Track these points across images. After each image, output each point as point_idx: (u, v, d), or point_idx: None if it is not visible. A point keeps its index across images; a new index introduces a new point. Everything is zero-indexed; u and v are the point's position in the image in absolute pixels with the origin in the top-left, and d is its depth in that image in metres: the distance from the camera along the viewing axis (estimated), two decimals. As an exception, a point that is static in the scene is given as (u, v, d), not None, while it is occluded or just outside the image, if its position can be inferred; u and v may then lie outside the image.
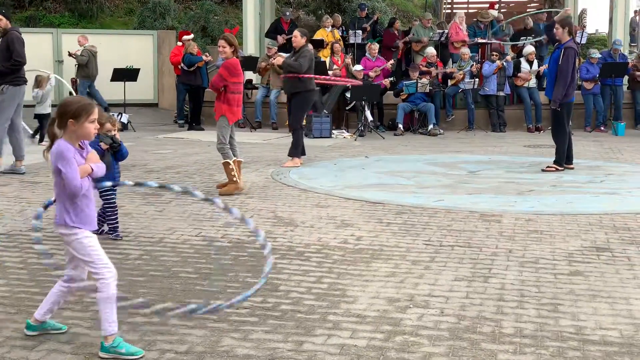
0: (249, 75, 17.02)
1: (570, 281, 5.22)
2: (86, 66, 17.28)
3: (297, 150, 10.83)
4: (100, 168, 3.96)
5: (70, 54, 17.62)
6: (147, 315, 4.39)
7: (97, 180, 4.03)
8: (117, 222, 6.40)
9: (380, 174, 10.04)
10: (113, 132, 6.24)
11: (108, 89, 17.34)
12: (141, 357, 3.79)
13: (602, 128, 16.49)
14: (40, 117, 12.95)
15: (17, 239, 6.26)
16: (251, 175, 9.80)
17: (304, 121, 15.25)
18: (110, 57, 18.63)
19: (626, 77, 16.95)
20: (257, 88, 17.18)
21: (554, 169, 10.34)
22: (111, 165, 6.15)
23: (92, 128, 3.88)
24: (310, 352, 3.89)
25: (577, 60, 10.50)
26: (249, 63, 16.27)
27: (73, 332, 4.13)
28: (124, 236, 6.38)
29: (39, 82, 12.87)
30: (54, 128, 3.86)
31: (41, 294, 4.43)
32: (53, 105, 12.09)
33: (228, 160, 8.41)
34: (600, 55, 16.84)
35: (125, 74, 17.29)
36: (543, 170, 10.34)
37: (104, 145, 6.18)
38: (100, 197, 6.27)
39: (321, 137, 14.62)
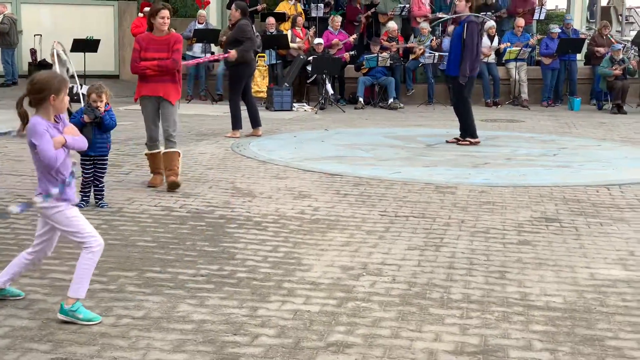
0: (212, 47, 16.95)
1: (518, 250, 5.40)
2: (7, 34, 17.09)
3: (234, 121, 10.86)
4: (77, 140, 3.94)
5: None
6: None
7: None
8: (88, 191, 6.53)
9: (340, 146, 10.15)
10: (99, 104, 6.28)
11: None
12: (98, 323, 3.86)
13: (549, 102, 16.71)
14: None
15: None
16: (211, 147, 9.85)
17: (265, 94, 15.39)
18: (70, 27, 18.39)
19: (583, 53, 17.19)
20: (218, 61, 17.10)
21: (468, 142, 10.50)
22: (92, 138, 6.20)
23: (67, 100, 3.92)
24: (265, 317, 4.01)
25: (479, 34, 10.67)
26: (211, 35, 16.22)
27: (31, 298, 4.19)
28: (84, 206, 6.41)
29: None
30: (23, 107, 3.82)
31: (2, 262, 4.47)
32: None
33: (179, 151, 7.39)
34: (560, 30, 17.04)
35: (86, 45, 17.08)
36: (453, 143, 10.53)
37: (86, 118, 6.23)
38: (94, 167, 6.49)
39: (282, 110, 14.65)
